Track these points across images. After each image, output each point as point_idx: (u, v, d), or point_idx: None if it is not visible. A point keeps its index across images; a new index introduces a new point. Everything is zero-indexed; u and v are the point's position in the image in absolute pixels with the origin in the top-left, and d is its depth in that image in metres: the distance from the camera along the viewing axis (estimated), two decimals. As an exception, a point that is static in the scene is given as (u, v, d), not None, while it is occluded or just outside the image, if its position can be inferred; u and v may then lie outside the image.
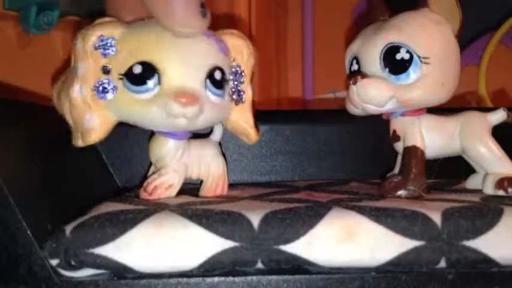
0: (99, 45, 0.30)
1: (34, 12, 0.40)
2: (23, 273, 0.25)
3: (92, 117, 0.31)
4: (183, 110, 0.29)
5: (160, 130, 0.33)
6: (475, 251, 0.26)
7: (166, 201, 0.31)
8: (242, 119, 0.35)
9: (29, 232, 0.25)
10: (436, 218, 0.26)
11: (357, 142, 0.41)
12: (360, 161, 0.42)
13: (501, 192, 0.31)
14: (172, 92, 0.29)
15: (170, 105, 0.29)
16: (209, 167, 0.35)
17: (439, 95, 0.31)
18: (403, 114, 0.33)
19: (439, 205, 0.28)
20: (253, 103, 0.36)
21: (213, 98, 0.31)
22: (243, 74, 0.34)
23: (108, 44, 0.30)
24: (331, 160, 0.42)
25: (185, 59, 0.30)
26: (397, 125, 0.33)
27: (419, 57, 0.30)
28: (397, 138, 0.33)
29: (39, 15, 0.40)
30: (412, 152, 0.32)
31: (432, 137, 0.33)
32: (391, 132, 0.34)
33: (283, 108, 0.67)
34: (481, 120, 0.33)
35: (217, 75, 0.31)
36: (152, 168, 0.35)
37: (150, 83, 0.30)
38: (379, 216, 0.26)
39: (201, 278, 0.26)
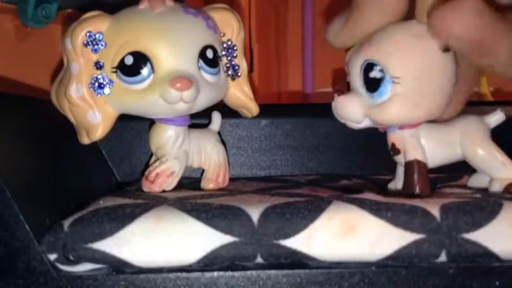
0: (88, 42, 0.30)
1: (32, 5, 0.39)
2: (21, 267, 0.25)
3: (94, 114, 0.31)
4: (181, 94, 0.29)
5: (161, 118, 0.33)
6: (475, 244, 0.26)
7: (165, 195, 0.31)
8: (240, 93, 0.35)
9: (27, 226, 0.25)
10: (435, 211, 0.26)
11: (357, 136, 0.41)
12: (361, 155, 0.41)
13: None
14: (167, 78, 0.29)
15: (167, 92, 0.29)
16: (209, 155, 0.35)
17: (414, 116, 0.30)
18: (401, 128, 0.31)
19: (438, 200, 0.28)
20: (250, 75, 0.36)
21: (208, 77, 0.32)
22: (235, 48, 0.34)
23: (97, 40, 0.30)
24: (332, 154, 0.42)
25: (175, 43, 0.30)
26: (396, 138, 0.32)
27: (391, 76, 0.29)
28: (397, 151, 0.32)
29: (37, 8, 0.40)
30: (414, 166, 0.31)
31: (433, 147, 0.32)
32: (389, 145, 0.32)
33: (283, 102, 0.66)
34: (479, 126, 0.32)
35: (209, 53, 0.31)
36: (153, 158, 0.35)
37: (144, 72, 0.30)
38: (380, 210, 0.26)
39: (200, 273, 0.26)
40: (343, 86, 0.32)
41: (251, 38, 0.57)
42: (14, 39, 0.42)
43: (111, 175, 0.40)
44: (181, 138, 0.33)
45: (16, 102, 0.31)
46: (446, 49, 0.29)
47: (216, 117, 0.36)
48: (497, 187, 0.31)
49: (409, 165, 0.31)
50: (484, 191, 0.32)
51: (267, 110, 0.39)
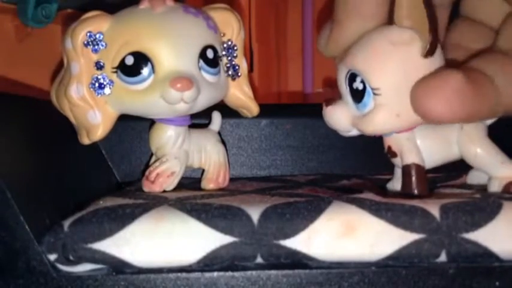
0: (88, 42, 0.30)
1: (32, 5, 0.39)
2: (21, 268, 0.25)
3: (94, 114, 0.31)
4: (181, 95, 0.29)
5: (162, 118, 0.33)
6: (475, 244, 0.26)
7: (165, 195, 0.31)
8: (240, 92, 0.35)
9: (26, 227, 0.25)
10: (435, 211, 0.26)
11: (357, 136, 0.41)
12: (361, 155, 0.41)
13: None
14: (168, 78, 0.29)
15: (168, 92, 0.29)
16: (210, 155, 0.35)
17: (395, 126, 0.30)
18: (397, 131, 0.31)
19: (438, 200, 0.28)
20: (249, 75, 0.36)
21: (208, 77, 0.31)
22: (235, 48, 0.34)
23: (97, 40, 0.30)
24: (332, 154, 0.42)
25: (175, 43, 0.30)
26: (392, 141, 0.32)
27: (371, 88, 0.29)
28: (393, 154, 0.32)
29: (37, 8, 0.40)
30: (412, 169, 0.31)
31: (429, 147, 0.31)
32: (386, 148, 0.32)
33: (284, 102, 0.66)
34: (476, 124, 0.32)
35: (210, 53, 0.31)
36: (153, 158, 0.35)
37: (144, 72, 0.30)
38: (379, 210, 0.26)
39: (200, 273, 0.26)
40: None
41: (251, 38, 0.57)
42: (14, 39, 0.42)
43: (111, 175, 0.40)
44: (181, 138, 0.33)
45: (16, 102, 0.31)
46: (427, 54, 0.28)
47: (216, 117, 0.36)
48: (496, 186, 0.31)
49: (406, 169, 0.31)
50: (484, 190, 0.32)
51: (267, 110, 0.39)
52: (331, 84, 0.64)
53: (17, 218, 0.25)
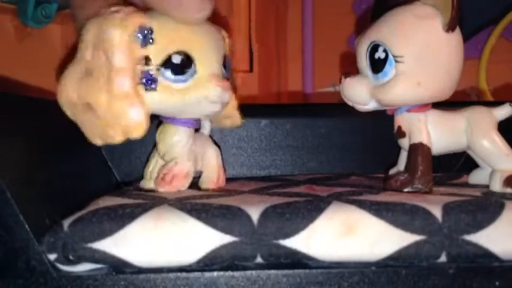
0: (139, 35, 0.29)
1: (32, 5, 0.40)
2: (21, 267, 0.25)
3: (138, 111, 0.29)
4: (222, 94, 0.31)
5: (175, 119, 0.33)
6: (475, 245, 0.26)
7: (165, 195, 0.31)
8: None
9: (26, 226, 0.25)
10: (437, 212, 0.26)
11: (357, 136, 0.41)
12: (361, 155, 0.41)
13: (509, 190, 0.31)
14: (211, 78, 0.31)
15: (212, 91, 0.30)
16: (209, 158, 0.35)
17: (416, 95, 0.30)
18: (408, 110, 0.32)
19: (440, 199, 0.28)
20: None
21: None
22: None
23: (149, 34, 0.29)
24: (332, 154, 0.42)
25: (211, 48, 0.31)
26: (403, 121, 0.33)
27: (393, 56, 0.30)
28: (402, 134, 0.33)
29: (37, 8, 0.40)
30: (418, 149, 0.31)
31: (439, 133, 0.32)
32: (395, 128, 0.33)
33: (284, 102, 0.66)
34: (487, 116, 0.32)
35: (228, 62, 0.33)
36: (153, 162, 0.35)
37: (189, 72, 0.30)
38: (379, 210, 0.26)
39: (200, 273, 0.26)
40: (352, 69, 0.33)
41: (251, 38, 0.57)
42: (13, 39, 0.42)
43: (111, 175, 0.40)
44: (191, 140, 0.33)
45: (16, 102, 0.31)
46: (449, 29, 0.30)
47: (206, 122, 0.36)
48: (497, 178, 0.31)
49: (413, 148, 0.32)
50: (485, 187, 0.32)
51: (267, 110, 0.39)
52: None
53: (17, 218, 0.25)
